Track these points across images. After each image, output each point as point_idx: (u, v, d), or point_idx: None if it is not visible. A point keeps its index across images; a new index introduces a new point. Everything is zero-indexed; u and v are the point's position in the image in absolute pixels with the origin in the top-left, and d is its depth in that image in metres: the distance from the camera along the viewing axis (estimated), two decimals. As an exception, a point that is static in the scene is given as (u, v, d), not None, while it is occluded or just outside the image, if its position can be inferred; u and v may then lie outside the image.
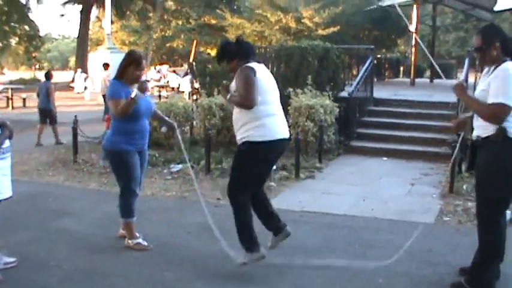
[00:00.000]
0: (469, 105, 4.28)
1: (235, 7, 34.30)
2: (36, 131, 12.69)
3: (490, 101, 3.98)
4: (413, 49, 20.47)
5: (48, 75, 13.38)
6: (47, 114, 12.70)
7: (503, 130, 4.03)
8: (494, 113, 3.98)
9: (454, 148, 7.90)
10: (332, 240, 5.69)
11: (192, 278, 4.66)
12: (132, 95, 4.92)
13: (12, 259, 4.79)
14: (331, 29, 22.40)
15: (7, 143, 4.45)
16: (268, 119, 4.62)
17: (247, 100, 4.49)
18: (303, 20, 23.32)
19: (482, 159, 4.25)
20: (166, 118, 5.99)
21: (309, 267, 4.90)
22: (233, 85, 4.70)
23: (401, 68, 28.34)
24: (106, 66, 17.02)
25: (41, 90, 12.93)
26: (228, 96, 4.74)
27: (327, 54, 11.90)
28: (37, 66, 64.41)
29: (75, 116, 10.61)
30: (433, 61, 6.12)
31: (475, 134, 4.37)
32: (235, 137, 4.81)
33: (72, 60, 43.93)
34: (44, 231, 5.90)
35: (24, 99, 22.06)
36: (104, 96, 13.68)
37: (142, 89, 5.00)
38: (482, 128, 4.23)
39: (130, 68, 5.17)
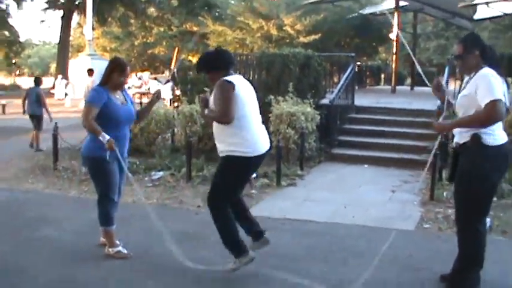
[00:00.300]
0: (462, 125, 4.28)
1: (217, 14, 34.30)
2: (16, 137, 12.55)
3: (482, 104, 4.02)
4: (394, 57, 20.60)
5: (37, 81, 13.28)
6: (37, 119, 12.60)
7: (478, 137, 4.09)
8: (489, 112, 3.98)
9: (435, 155, 8.04)
10: (313, 248, 5.68)
11: (173, 286, 4.63)
12: (105, 141, 4.91)
13: None
14: (313, 37, 22.54)
15: None
16: (250, 133, 4.63)
17: (224, 116, 4.51)
18: (284, 28, 23.45)
19: (460, 166, 4.30)
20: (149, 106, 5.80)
21: (290, 273, 4.89)
22: (211, 99, 4.70)
23: (383, 76, 28.55)
24: (90, 72, 16.82)
25: (30, 96, 12.81)
26: (206, 112, 4.74)
27: (309, 62, 11.95)
28: (17, 72, 63.96)
29: (56, 123, 10.53)
30: (418, 66, 6.14)
31: (455, 140, 4.42)
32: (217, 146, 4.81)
33: (53, 67, 43.63)
34: (22, 241, 5.81)
35: (3, 106, 21.83)
36: None
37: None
38: (459, 135, 4.29)
39: (114, 75, 5.15)
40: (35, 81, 13.39)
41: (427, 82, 6.39)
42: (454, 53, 4.43)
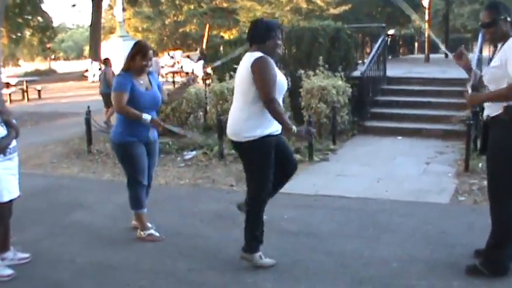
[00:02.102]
0: (493, 99, 4.12)
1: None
2: (51, 122, 12.75)
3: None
4: (426, 25, 20.17)
5: (106, 62, 14.07)
6: (105, 97, 13.16)
7: (511, 108, 3.94)
8: None
9: (469, 125, 7.87)
10: (345, 225, 5.63)
11: (203, 268, 4.64)
12: (144, 119, 4.97)
13: (26, 255, 4.80)
14: (343, 8, 22.18)
15: (14, 142, 4.44)
16: None
17: None
18: (313, 0, 23.13)
19: (491, 139, 4.17)
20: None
21: (322, 252, 4.86)
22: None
23: (416, 45, 28.04)
24: (107, 61, 16.37)
25: (101, 76, 13.91)
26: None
27: (338, 34, 11.75)
28: (52, 57, 64.77)
29: (88, 107, 10.62)
30: (434, 37, 5.98)
31: (485, 113, 4.29)
32: None
33: (87, 50, 44.00)
34: (57, 226, 5.91)
35: (39, 91, 22.16)
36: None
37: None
38: (491, 107, 4.15)
39: (136, 59, 5.12)
40: (104, 62, 14.33)
41: (448, 54, 6.18)
42: (481, 21, 4.27)
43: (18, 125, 4.63)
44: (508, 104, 3.96)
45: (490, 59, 4.39)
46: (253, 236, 4.56)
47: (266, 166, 4.46)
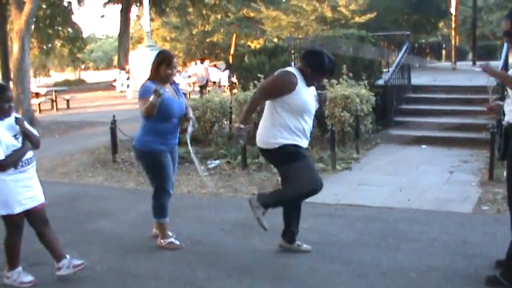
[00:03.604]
0: (505, 81, 4.14)
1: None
2: (79, 132, 12.95)
3: None
4: (453, 32, 19.99)
5: (201, 61, 21.59)
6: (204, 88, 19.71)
7: None
8: None
9: (493, 133, 7.77)
10: (365, 234, 5.60)
11: (222, 276, 4.67)
12: (152, 90, 4.91)
13: (81, 261, 4.77)
14: (368, 16, 22.10)
15: (30, 153, 4.47)
16: None
17: None
18: (338, 8, 23.12)
19: (511, 147, 4.13)
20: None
21: (340, 261, 4.86)
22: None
23: (444, 52, 27.78)
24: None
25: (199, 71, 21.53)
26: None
27: (362, 43, 11.74)
28: (82, 67, 65.63)
29: (113, 116, 10.75)
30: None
31: (506, 119, 4.24)
32: None
33: (116, 59, 44.53)
34: (80, 233, 6.01)
35: (67, 101, 22.48)
36: None
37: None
38: (511, 113, 4.11)
39: (161, 68, 5.17)
40: (200, 60, 21.59)
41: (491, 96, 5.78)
42: (502, 29, 4.24)
43: (46, 134, 4.66)
44: None
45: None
46: (272, 201, 4.93)
47: (301, 166, 4.76)
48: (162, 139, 5.19)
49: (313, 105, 4.82)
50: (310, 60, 4.74)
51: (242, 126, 4.80)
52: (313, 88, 4.86)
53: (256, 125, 10.19)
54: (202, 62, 23.45)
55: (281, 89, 4.67)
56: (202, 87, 22.76)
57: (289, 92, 4.63)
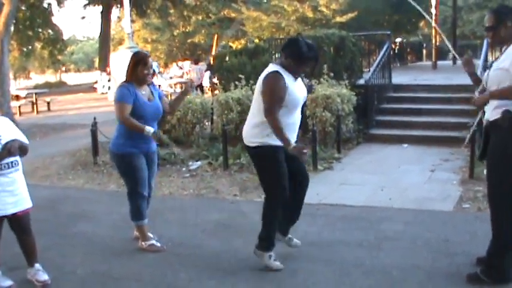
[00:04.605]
0: (495, 97, 4.05)
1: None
2: (60, 134, 12.82)
3: None
4: (433, 31, 20.13)
5: (196, 61, 23.09)
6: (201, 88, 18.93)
7: (509, 113, 3.93)
8: None
9: (474, 132, 7.83)
10: (347, 233, 5.61)
11: (204, 278, 4.65)
12: (147, 131, 4.98)
13: (45, 278, 4.62)
14: (350, 15, 22.15)
15: (11, 159, 4.38)
16: None
17: None
18: (319, 8, 23.15)
19: (490, 145, 4.16)
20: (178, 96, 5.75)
21: (322, 261, 4.85)
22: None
23: (425, 52, 27.98)
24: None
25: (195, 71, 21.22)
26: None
27: (343, 43, 11.77)
28: (63, 69, 65.09)
29: (94, 118, 10.67)
30: (448, 44, 6.02)
31: (485, 117, 4.27)
32: None
33: (97, 61, 44.21)
34: (61, 236, 5.95)
35: (48, 103, 22.27)
36: None
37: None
38: (490, 111, 4.14)
39: (139, 68, 5.14)
40: (194, 61, 23.54)
41: (457, 57, 6.25)
42: (485, 24, 4.26)
43: (26, 137, 4.51)
44: (506, 108, 3.95)
45: (490, 65, 4.38)
46: (266, 236, 4.73)
47: (273, 171, 4.63)
48: (135, 142, 5.16)
49: (302, 98, 4.70)
50: (288, 51, 4.55)
51: (292, 143, 4.49)
52: (300, 80, 4.72)
53: (237, 126, 10.37)
54: (196, 63, 23.06)
55: (283, 93, 4.46)
56: (198, 87, 22.55)
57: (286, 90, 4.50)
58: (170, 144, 5.92)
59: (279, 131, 4.42)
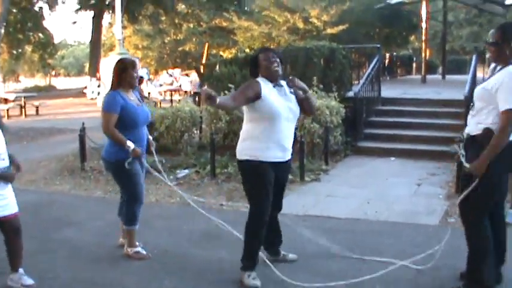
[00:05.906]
0: (490, 157, 4.02)
1: (246, 9, 34.14)
2: (48, 139, 12.78)
3: (500, 109, 3.94)
4: (423, 45, 20.25)
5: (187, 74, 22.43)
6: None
7: (491, 131, 3.96)
8: (504, 127, 3.93)
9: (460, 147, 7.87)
10: (332, 245, 5.61)
11: (189, 287, 4.64)
12: (127, 146, 5.02)
13: (31, 282, 4.63)
14: (340, 27, 22.24)
15: (4, 163, 4.38)
16: None
17: None
18: (310, 20, 23.24)
19: (467, 157, 4.19)
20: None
21: (307, 273, 4.86)
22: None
23: (414, 65, 28.14)
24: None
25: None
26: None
27: (333, 55, 11.84)
28: (53, 73, 64.80)
29: (83, 123, 10.64)
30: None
31: (466, 131, 4.30)
32: None
33: (87, 66, 44.10)
34: (46, 241, 5.91)
35: (37, 107, 22.17)
36: None
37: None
38: (472, 125, 4.17)
39: (127, 73, 5.13)
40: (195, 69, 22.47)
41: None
42: (489, 39, 4.27)
43: (14, 141, 4.57)
44: (487, 127, 3.99)
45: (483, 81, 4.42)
46: (247, 254, 4.68)
47: (255, 188, 4.61)
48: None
49: (286, 110, 4.56)
50: (251, 68, 4.74)
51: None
52: (291, 95, 4.68)
53: (225, 135, 10.38)
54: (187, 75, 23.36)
55: (252, 93, 4.44)
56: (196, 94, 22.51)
57: (255, 95, 4.45)
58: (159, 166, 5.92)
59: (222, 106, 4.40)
